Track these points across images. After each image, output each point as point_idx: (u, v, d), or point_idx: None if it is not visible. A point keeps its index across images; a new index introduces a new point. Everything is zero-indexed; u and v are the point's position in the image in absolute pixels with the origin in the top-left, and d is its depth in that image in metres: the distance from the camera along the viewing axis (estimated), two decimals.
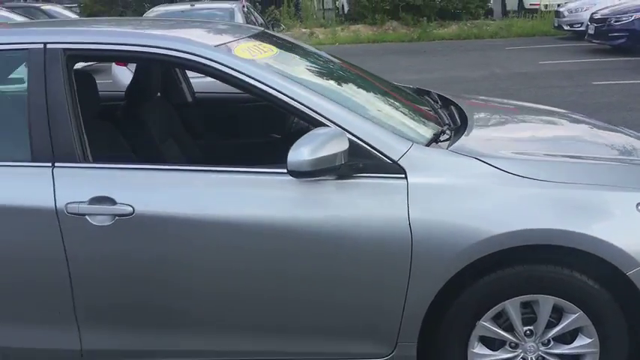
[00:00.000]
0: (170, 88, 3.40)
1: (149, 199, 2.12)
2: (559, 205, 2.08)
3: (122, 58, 3.60)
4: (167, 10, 9.35)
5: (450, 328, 2.17)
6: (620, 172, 2.28)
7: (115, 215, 2.09)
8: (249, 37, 2.65)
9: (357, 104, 2.39)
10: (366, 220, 2.06)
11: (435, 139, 2.31)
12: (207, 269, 2.13)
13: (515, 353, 2.20)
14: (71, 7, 19.92)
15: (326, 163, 1.99)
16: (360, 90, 2.70)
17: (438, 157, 2.17)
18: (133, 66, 3.75)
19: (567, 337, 2.19)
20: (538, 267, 2.13)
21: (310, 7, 19.11)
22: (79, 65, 2.59)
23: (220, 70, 2.18)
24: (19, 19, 11.25)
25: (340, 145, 2.02)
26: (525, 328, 2.17)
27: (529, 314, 2.17)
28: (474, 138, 2.37)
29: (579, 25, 13.48)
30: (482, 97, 3.71)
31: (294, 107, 2.14)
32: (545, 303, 2.13)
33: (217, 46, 2.32)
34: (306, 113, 2.13)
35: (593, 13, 12.21)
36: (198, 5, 9.51)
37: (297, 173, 2.01)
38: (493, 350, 2.21)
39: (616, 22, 11.44)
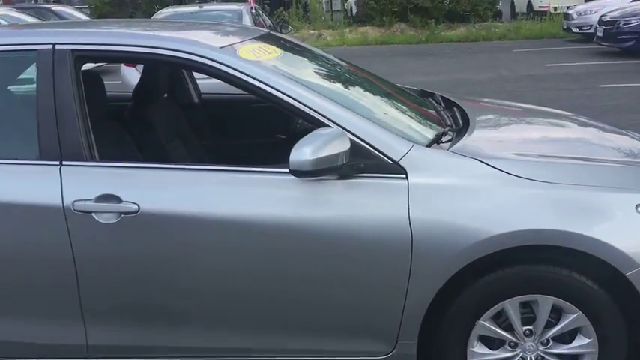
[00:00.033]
0: (177, 89, 3.45)
1: (154, 197, 2.16)
2: (558, 205, 2.11)
3: (128, 59, 3.64)
4: (176, 12, 9.43)
5: (449, 327, 2.19)
6: (620, 174, 2.30)
7: (121, 213, 2.13)
8: (254, 38, 2.68)
9: (359, 105, 2.42)
10: (367, 219, 2.09)
11: (436, 141, 2.33)
12: (210, 267, 2.17)
13: (515, 352, 2.22)
14: (81, 8, 20.08)
15: (328, 163, 2.03)
16: (363, 91, 2.73)
17: (439, 157, 2.19)
18: (141, 67, 3.80)
19: (566, 337, 2.21)
20: (537, 267, 2.15)
21: (318, 9, 19.17)
22: (89, 66, 2.63)
23: (224, 72, 2.22)
24: (30, 20, 11.38)
25: (342, 146, 2.05)
26: (525, 327, 2.19)
27: (528, 314, 2.19)
28: (475, 139, 2.40)
29: (588, 28, 13.43)
30: (487, 100, 3.73)
31: (297, 108, 2.17)
32: (545, 303, 2.15)
33: (222, 47, 2.35)
34: (308, 114, 2.17)
35: (602, 16, 12.17)
36: (206, 7, 9.58)
37: (298, 173, 2.05)
38: (492, 349, 2.23)
39: (625, 24, 11.41)
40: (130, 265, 2.17)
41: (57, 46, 2.26)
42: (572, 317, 2.16)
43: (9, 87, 2.58)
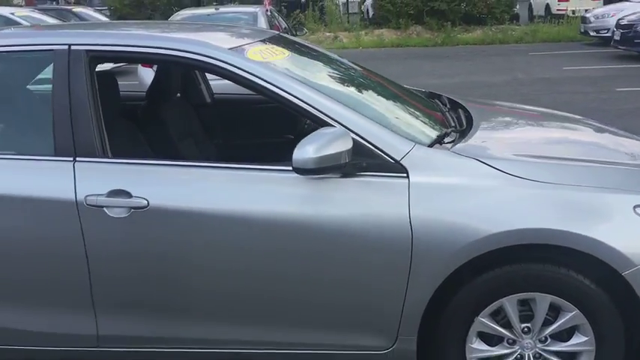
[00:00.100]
0: (190, 89, 3.52)
1: (163, 193, 2.23)
2: (557, 205, 2.14)
3: (140, 59, 3.75)
4: (193, 14, 9.55)
5: (448, 324, 2.24)
6: (619, 175, 2.32)
7: (131, 208, 2.21)
8: (262, 40, 2.75)
9: (363, 105, 2.48)
10: (368, 217, 2.14)
11: (439, 141, 2.38)
12: (216, 261, 2.23)
13: (513, 349, 2.26)
14: (101, 9, 20.39)
15: (330, 162, 2.09)
16: (368, 92, 2.79)
17: (440, 157, 2.24)
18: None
19: (564, 335, 2.24)
20: (535, 265, 2.19)
21: (335, 12, 19.22)
22: (109, 66, 2.71)
23: (232, 72, 2.29)
24: (51, 21, 11.60)
25: (344, 145, 2.11)
26: (523, 325, 2.23)
27: (526, 311, 2.23)
28: (477, 140, 2.44)
29: (605, 31, 13.33)
30: (498, 103, 3.74)
31: (301, 107, 2.24)
32: (542, 301, 2.19)
33: (231, 48, 2.42)
34: (312, 113, 2.23)
35: (619, 19, 12.09)
36: (222, 9, 9.70)
37: (301, 170, 2.11)
38: (491, 346, 2.27)
39: None
40: (139, 257, 2.25)
41: (72, 47, 2.35)
42: (570, 315, 2.19)
43: (27, 86, 2.68)
